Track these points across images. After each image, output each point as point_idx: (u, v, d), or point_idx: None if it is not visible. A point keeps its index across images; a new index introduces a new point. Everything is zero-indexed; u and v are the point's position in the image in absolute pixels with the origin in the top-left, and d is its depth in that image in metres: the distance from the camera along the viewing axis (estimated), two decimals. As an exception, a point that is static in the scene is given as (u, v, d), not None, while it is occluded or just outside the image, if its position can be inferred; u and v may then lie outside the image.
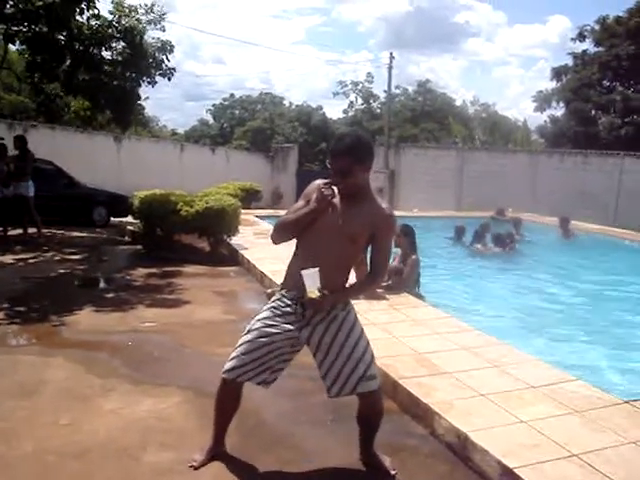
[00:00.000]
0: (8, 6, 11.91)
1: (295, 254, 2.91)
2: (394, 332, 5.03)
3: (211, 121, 50.36)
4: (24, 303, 6.16)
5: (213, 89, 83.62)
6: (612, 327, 6.73)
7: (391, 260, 6.97)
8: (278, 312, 2.84)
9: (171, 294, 6.74)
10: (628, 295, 8.32)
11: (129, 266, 8.35)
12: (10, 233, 10.32)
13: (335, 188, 2.75)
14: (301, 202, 2.87)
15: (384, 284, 6.59)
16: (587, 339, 6.17)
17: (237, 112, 48.52)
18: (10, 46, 15.34)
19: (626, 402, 3.70)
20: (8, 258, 8.53)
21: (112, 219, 13.55)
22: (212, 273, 8.07)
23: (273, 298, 2.93)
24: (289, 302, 2.83)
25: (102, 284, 7.52)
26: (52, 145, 15.33)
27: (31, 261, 8.51)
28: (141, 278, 7.59)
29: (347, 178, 2.71)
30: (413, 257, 6.64)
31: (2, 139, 10.62)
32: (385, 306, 5.94)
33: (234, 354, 2.85)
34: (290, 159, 23.18)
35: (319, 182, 2.83)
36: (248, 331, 2.86)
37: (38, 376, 4.15)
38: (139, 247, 9.78)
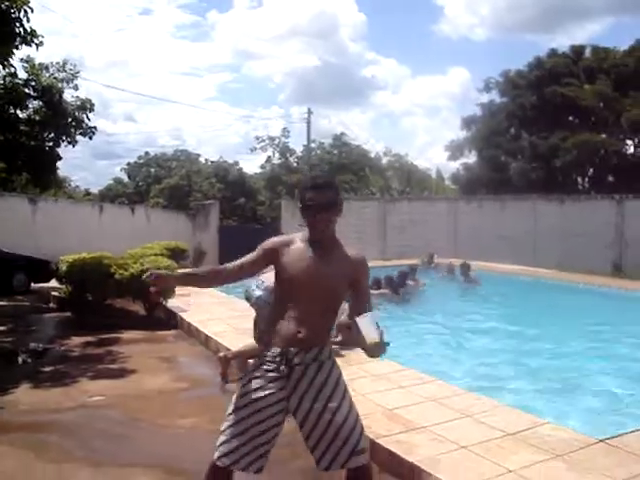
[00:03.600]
0: None
1: (277, 310, 2.65)
2: (357, 389, 4.93)
3: (126, 179, 49.29)
4: (-51, 384, 5.64)
5: (124, 147, 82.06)
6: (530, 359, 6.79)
7: (339, 314, 6.91)
8: (263, 382, 2.56)
9: (114, 363, 6.37)
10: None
11: (62, 335, 7.85)
12: None
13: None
14: (257, 255, 2.68)
15: (336, 339, 6.52)
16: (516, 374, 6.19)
17: (152, 170, 47.69)
18: None
19: (600, 441, 3.76)
20: None
21: (33, 285, 12.82)
22: (151, 338, 7.70)
23: (255, 363, 2.65)
24: (274, 364, 2.56)
25: (35, 357, 6.88)
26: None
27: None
28: (77, 348, 7.14)
29: (333, 212, 2.59)
30: (363, 310, 6.56)
31: None
32: (341, 362, 5.74)
33: (223, 438, 2.53)
34: (212, 216, 22.84)
35: (277, 240, 2.69)
36: (235, 409, 2.56)
37: (-17, 468, 3.75)
38: (68, 314, 9.25)
